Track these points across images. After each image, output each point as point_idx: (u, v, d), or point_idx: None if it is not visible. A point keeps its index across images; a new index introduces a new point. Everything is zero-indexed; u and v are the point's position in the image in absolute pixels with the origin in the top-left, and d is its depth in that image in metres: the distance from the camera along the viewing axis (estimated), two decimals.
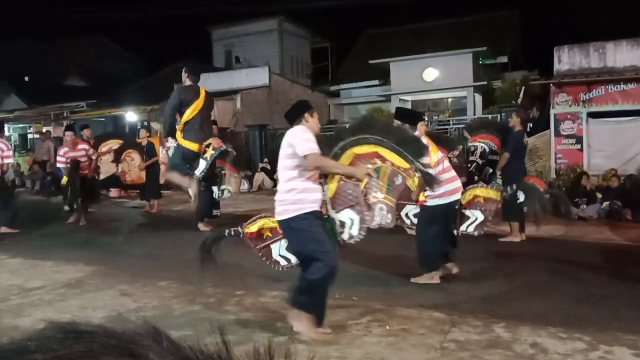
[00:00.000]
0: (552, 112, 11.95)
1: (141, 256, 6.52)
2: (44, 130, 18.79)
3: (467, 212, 5.32)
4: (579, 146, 11.55)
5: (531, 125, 13.05)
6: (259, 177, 15.43)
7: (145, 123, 16.66)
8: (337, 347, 3.49)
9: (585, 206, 9.08)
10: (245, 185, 15.19)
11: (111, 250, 6.95)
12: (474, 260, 5.92)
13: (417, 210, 5.30)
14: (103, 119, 20.63)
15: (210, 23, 26.74)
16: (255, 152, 16.32)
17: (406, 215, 5.51)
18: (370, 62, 18.97)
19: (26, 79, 24.44)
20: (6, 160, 8.15)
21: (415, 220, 5.36)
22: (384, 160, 3.91)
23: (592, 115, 11.64)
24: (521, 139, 7.10)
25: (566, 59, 12.20)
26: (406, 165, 3.92)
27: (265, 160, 15.82)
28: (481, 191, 5.40)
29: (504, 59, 18.85)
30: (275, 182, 15.60)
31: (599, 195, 9.23)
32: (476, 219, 5.26)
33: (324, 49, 28.05)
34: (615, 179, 9.43)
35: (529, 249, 6.58)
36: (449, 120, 15.33)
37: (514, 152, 6.92)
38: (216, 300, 4.61)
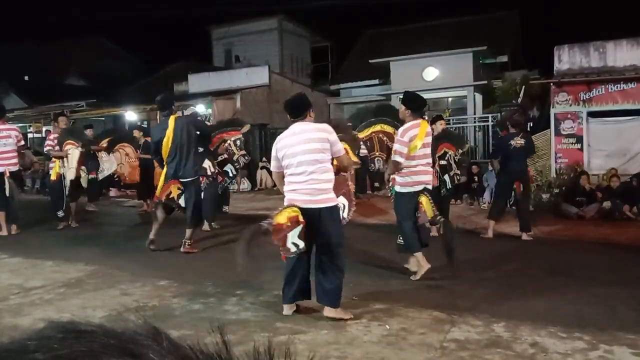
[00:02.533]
0: (552, 111, 11.95)
1: (141, 256, 6.52)
2: (43, 130, 18.81)
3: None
4: (579, 146, 11.55)
5: (531, 125, 13.06)
6: (261, 175, 15.44)
7: (139, 123, 16.66)
8: (337, 347, 3.49)
9: (585, 206, 9.09)
10: (245, 185, 15.20)
11: (111, 250, 6.95)
12: (474, 260, 5.92)
13: None
14: (103, 119, 20.65)
15: (210, 23, 26.74)
16: (255, 151, 16.33)
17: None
18: (370, 61, 18.96)
19: (26, 79, 24.44)
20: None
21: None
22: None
23: (592, 114, 11.64)
24: (505, 143, 7.17)
25: (566, 59, 12.20)
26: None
27: (264, 159, 15.83)
28: (425, 202, 5.33)
29: (504, 59, 18.83)
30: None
31: (599, 195, 9.23)
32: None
33: (324, 48, 28.03)
34: (616, 179, 9.42)
35: (529, 249, 6.59)
36: (449, 120, 15.32)
37: (502, 156, 7.11)
38: (216, 300, 4.61)
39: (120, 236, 8.07)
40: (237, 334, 3.60)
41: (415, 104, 5.30)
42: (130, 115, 19.33)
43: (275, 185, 16.86)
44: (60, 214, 8.43)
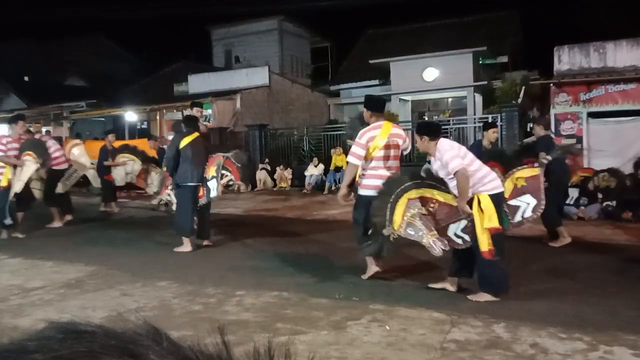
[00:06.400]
0: (552, 112, 11.97)
1: (141, 256, 6.52)
2: (43, 130, 18.81)
3: (514, 202, 4.92)
4: (579, 146, 11.56)
5: (531, 125, 13.08)
6: (261, 176, 15.44)
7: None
8: (337, 347, 3.49)
9: (584, 207, 9.09)
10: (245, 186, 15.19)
11: (111, 250, 6.95)
12: None
13: (463, 225, 4.77)
14: (103, 119, 20.65)
15: (210, 23, 26.74)
16: (255, 152, 16.35)
17: (455, 234, 4.83)
18: (370, 62, 18.98)
19: (26, 79, 24.44)
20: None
21: (466, 237, 4.75)
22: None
23: (592, 115, 11.66)
24: (549, 139, 6.84)
25: (566, 59, 12.22)
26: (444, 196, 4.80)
27: (266, 160, 15.82)
28: (520, 173, 5.02)
29: (504, 59, 18.86)
30: (275, 181, 15.64)
31: (599, 196, 9.22)
32: (528, 204, 4.90)
33: (324, 48, 28.06)
34: (613, 179, 9.40)
35: (528, 249, 6.58)
36: (449, 120, 15.33)
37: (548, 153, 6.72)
38: (216, 300, 4.61)
39: (120, 237, 8.06)
40: (237, 335, 3.60)
41: (375, 105, 5.33)
42: (131, 115, 19.32)
43: (275, 186, 16.82)
44: (8, 221, 7.81)
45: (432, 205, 4.83)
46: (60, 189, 8.91)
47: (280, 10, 24.32)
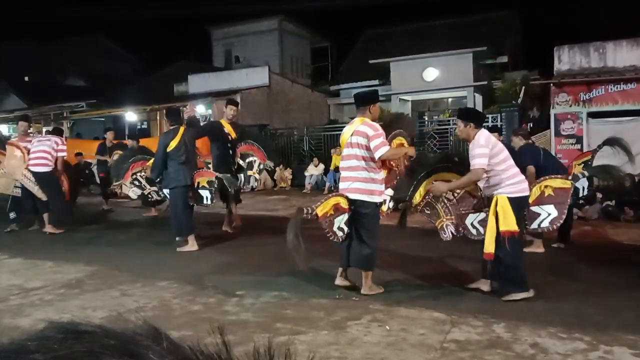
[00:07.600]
0: (552, 112, 11.98)
1: (141, 256, 6.52)
2: (43, 130, 18.83)
3: (536, 209, 4.81)
4: (579, 146, 11.57)
5: (531, 125, 13.08)
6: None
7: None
8: (337, 347, 3.49)
9: (586, 207, 9.09)
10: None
11: (111, 250, 6.95)
12: (473, 260, 5.91)
13: (481, 218, 4.79)
14: (103, 119, 20.64)
15: (210, 23, 26.77)
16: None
17: (471, 224, 4.86)
18: (370, 62, 18.98)
19: (26, 79, 24.45)
20: (60, 154, 8.37)
21: (481, 229, 4.79)
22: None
23: (592, 115, 11.66)
24: (532, 148, 6.60)
25: (566, 59, 12.22)
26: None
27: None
28: (551, 182, 4.91)
29: (504, 59, 18.87)
30: (275, 182, 15.63)
31: (599, 196, 9.23)
32: (549, 214, 4.81)
33: (324, 48, 28.07)
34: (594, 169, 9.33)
35: (528, 249, 6.57)
36: (449, 120, 15.33)
37: (536, 163, 6.25)
38: (216, 300, 4.61)
39: (120, 237, 8.06)
40: (237, 335, 3.60)
41: (356, 100, 4.91)
42: (131, 115, 19.31)
43: (275, 186, 16.75)
44: (12, 215, 8.39)
45: (457, 191, 4.88)
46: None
47: (280, 10, 24.34)
